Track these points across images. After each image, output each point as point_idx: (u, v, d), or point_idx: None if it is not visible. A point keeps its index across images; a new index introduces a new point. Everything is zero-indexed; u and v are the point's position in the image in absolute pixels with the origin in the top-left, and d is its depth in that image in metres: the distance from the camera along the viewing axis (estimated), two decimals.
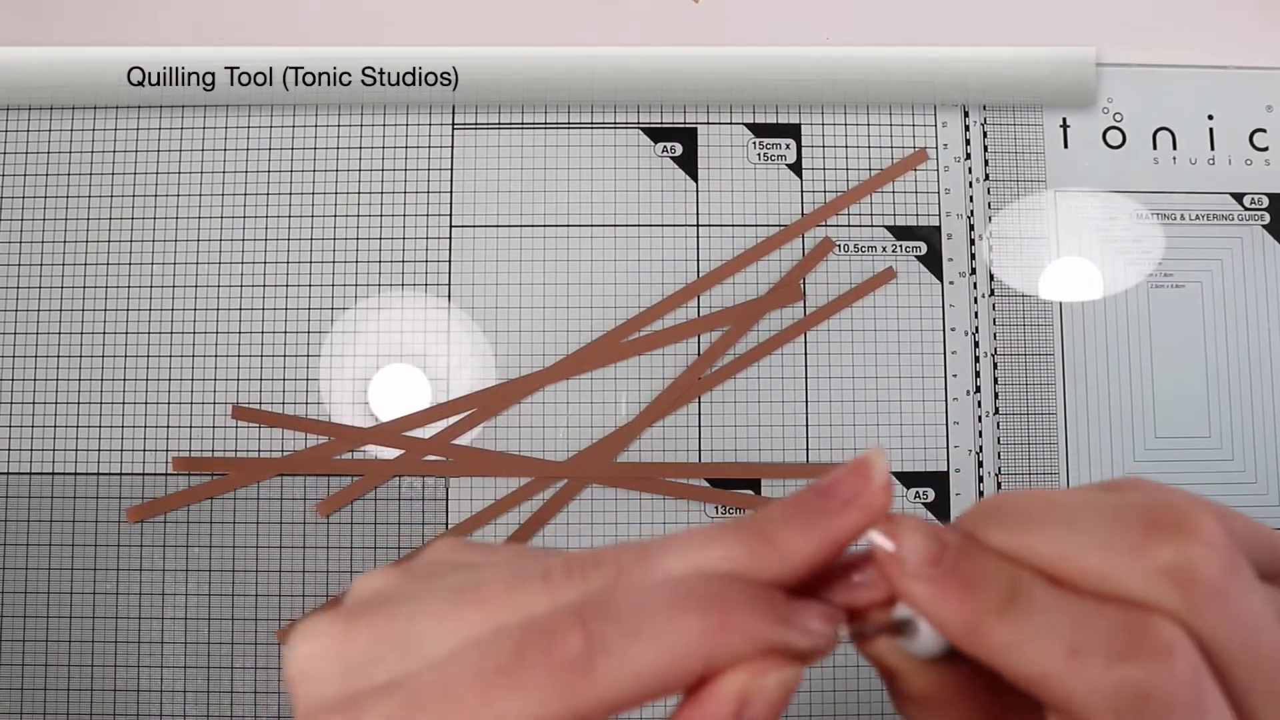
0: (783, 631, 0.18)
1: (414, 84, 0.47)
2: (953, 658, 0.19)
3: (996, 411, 0.45)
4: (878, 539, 0.19)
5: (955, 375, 0.45)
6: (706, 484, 0.44)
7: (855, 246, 0.46)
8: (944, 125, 0.47)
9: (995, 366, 0.45)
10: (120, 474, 0.44)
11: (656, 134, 0.47)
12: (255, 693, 0.43)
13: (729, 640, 0.18)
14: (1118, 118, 0.47)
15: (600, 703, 0.17)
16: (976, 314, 0.46)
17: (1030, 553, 0.19)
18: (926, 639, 0.19)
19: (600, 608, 0.18)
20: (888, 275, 0.46)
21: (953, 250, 0.46)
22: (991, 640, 0.18)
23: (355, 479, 0.44)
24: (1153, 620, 0.18)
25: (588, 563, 0.19)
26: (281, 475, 0.44)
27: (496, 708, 0.17)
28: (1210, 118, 0.47)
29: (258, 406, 0.45)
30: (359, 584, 0.21)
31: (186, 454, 0.44)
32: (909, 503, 0.45)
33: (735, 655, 0.18)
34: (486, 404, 0.45)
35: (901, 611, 0.19)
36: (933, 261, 0.46)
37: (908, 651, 0.19)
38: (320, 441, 0.44)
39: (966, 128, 0.47)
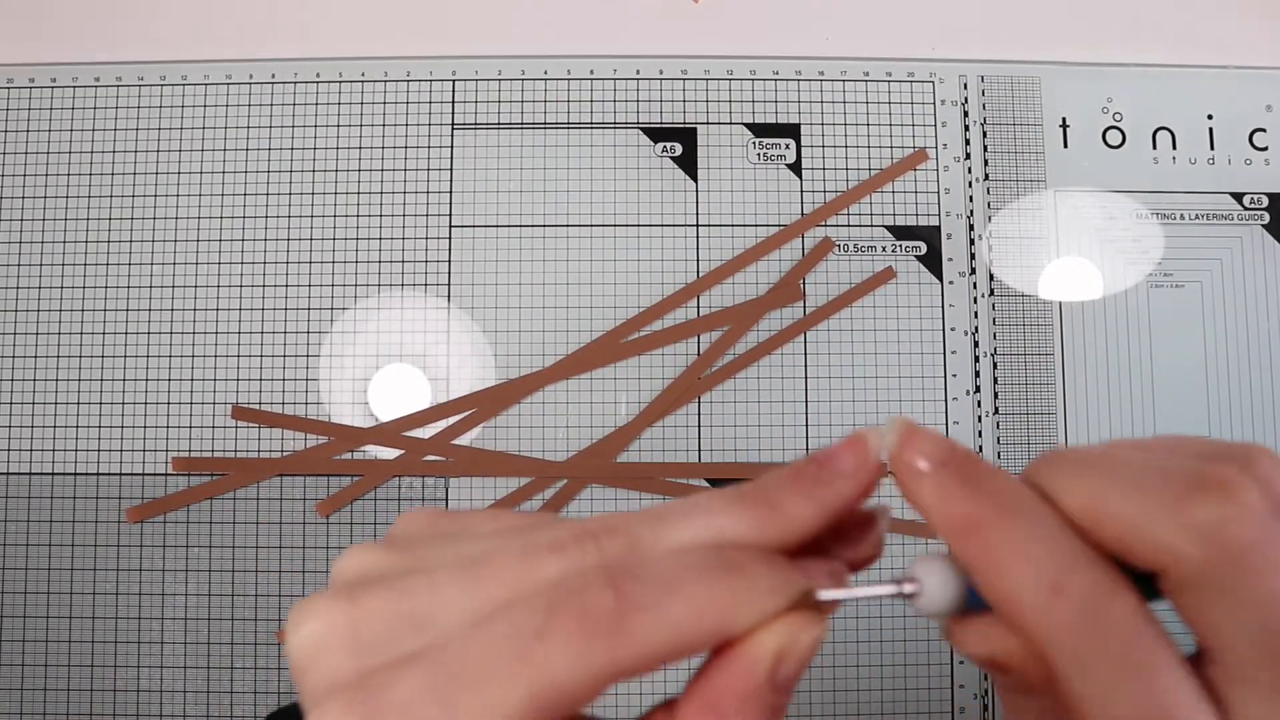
0: (802, 582, 0.18)
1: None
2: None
3: (996, 411, 0.45)
4: (889, 438, 0.20)
5: (955, 375, 0.45)
6: (706, 484, 0.44)
7: (855, 246, 0.46)
8: (944, 125, 0.47)
9: (995, 366, 0.45)
10: (120, 474, 0.44)
11: (656, 134, 0.47)
12: (255, 693, 0.43)
13: (754, 598, 0.18)
14: (1118, 118, 0.47)
15: (638, 656, 0.17)
16: (976, 314, 0.46)
17: (1068, 494, 0.19)
18: (933, 596, 0.19)
19: (625, 569, 0.18)
20: (887, 275, 0.46)
21: (952, 250, 0.46)
22: (981, 545, 0.19)
23: (355, 479, 0.44)
24: (1212, 465, 0.18)
25: (599, 531, 0.19)
26: (281, 475, 0.44)
27: (537, 668, 0.17)
28: (1210, 118, 0.47)
29: (258, 406, 0.45)
30: (344, 563, 0.20)
31: (186, 454, 0.44)
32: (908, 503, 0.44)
33: (761, 612, 0.18)
34: (486, 404, 0.45)
35: (908, 573, 0.20)
36: (932, 261, 0.46)
37: (920, 610, 0.20)
38: (320, 441, 0.44)
39: (966, 128, 0.47)
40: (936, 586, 0.20)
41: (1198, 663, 0.18)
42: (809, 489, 0.20)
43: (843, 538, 0.21)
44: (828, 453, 0.20)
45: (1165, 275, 0.46)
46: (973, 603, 0.20)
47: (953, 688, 0.43)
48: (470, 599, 0.18)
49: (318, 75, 0.47)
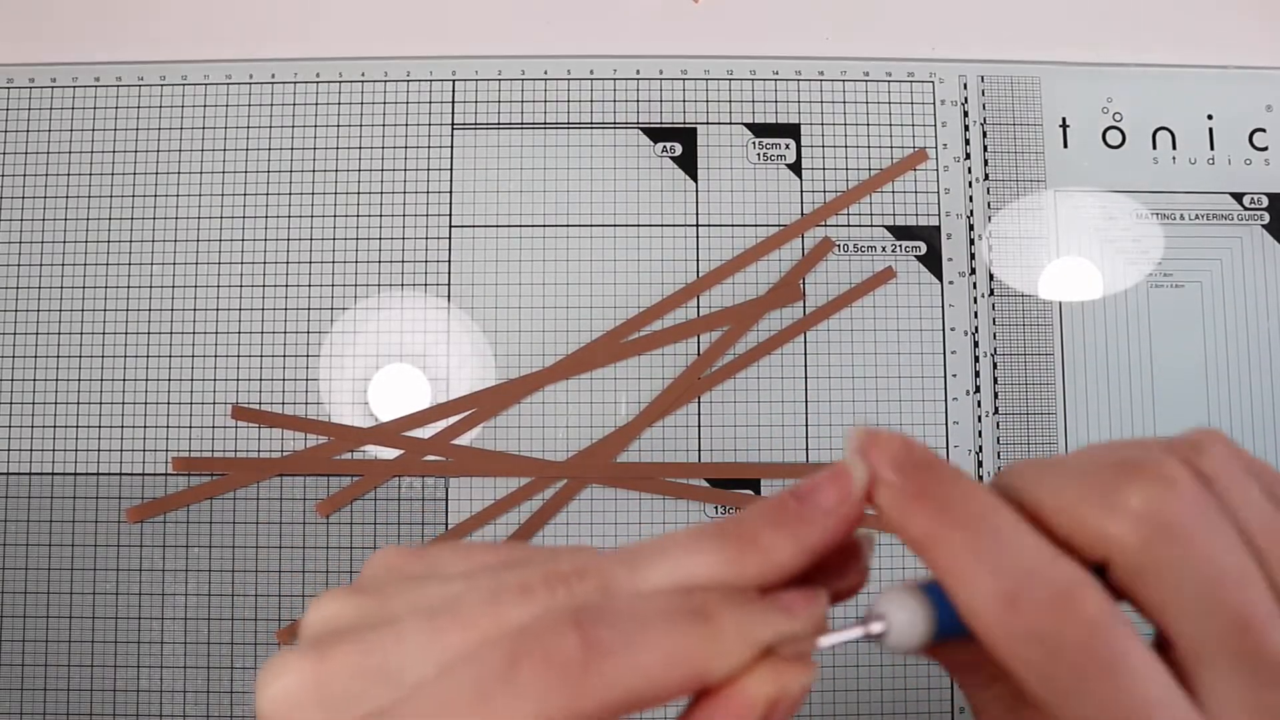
0: (773, 631, 0.18)
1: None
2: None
3: (996, 411, 0.45)
4: (850, 453, 0.20)
5: (955, 375, 0.45)
6: (706, 484, 0.44)
7: (855, 246, 0.46)
8: (944, 125, 0.47)
9: (995, 366, 0.45)
10: (120, 474, 0.44)
11: (656, 134, 0.47)
12: (255, 693, 0.43)
13: (724, 647, 0.18)
14: (1118, 118, 0.47)
15: (603, 703, 0.17)
16: (976, 314, 0.46)
17: (1021, 494, 0.19)
18: (901, 630, 0.19)
19: (593, 613, 0.18)
20: (887, 275, 0.46)
21: (952, 250, 0.46)
22: (939, 557, 0.18)
23: (355, 479, 0.44)
24: (1146, 452, 0.19)
25: (569, 574, 0.19)
26: (281, 475, 0.44)
27: (500, 715, 0.17)
28: (1210, 117, 0.47)
29: (258, 406, 0.45)
30: (312, 615, 0.20)
31: (186, 454, 0.44)
32: None
33: (734, 661, 0.18)
34: (486, 404, 0.45)
35: (874, 611, 0.19)
36: (932, 261, 0.46)
37: (891, 648, 0.19)
38: (320, 441, 0.44)
39: (966, 128, 0.47)
40: (905, 623, 0.19)
41: (1162, 650, 0.18)
42: (791, 527, 0.19)
43: (826, 566, 0.20)
44: (809, 486, 0.20)
45: (1165, 275, 0.46)
46: (945, 629, 0.19)
47: (953, 686, 0.43)
48: (437, 648, 0.18)
49: (318, 75, 0.47)
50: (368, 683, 0.18)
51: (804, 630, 0.18)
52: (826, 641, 0.18)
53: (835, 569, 0.20)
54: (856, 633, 0.19)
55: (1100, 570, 0.19)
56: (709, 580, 0.19)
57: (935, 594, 0.19)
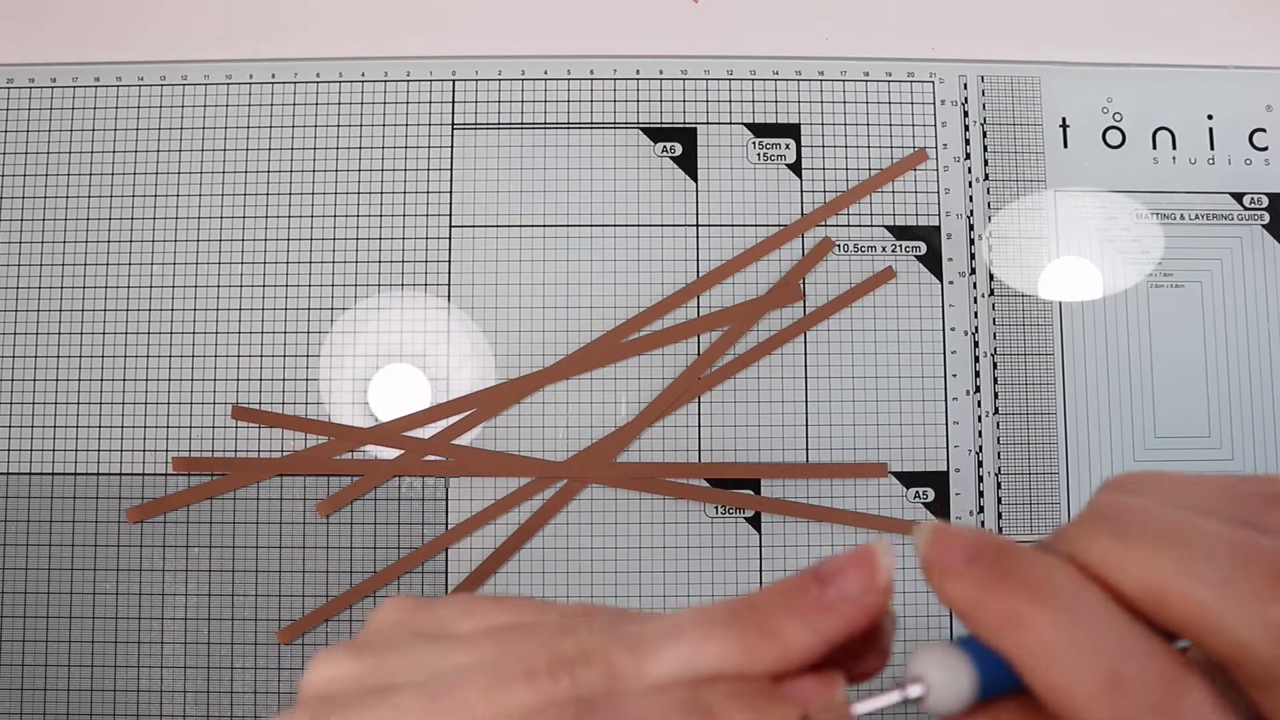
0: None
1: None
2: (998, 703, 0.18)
3: (996, 411, 0.45)
4: (920, 549, 0.18)
5: (955, 375, 0.45)
6: (706, 484, 0.44)
7: (855, 246, 0.46)
8: (944, 125, 0.47)
9: (995, 366, 0.45)
10: (120, 474, 0.44)
11: (656, 134, 0.47)
12: (255, 693, 0.43)
13: None
14: (1118, 118, 0.47)
15: None
16: (976, 314, 0.46)
17: (1125, 572, 0.17)
18: (945, 694, 0.18)
19: (595, 711, 0.17)
20: (887, 275, 0.46)
21: (952, 250, 0.46)
22: (1025, 638, 0.17)
23: (355, 479, 0.44)
24: None
25: (575, 659, 0.18)
26: (281, 475, 0.44)
27: None
28: (1210, 118, 0.47)
29: (258, 406, 0.45)
30: (312, 676, 0.20)
31: (186, 454, 0.44)
32: (908, 502, 0.45)
33: None
34: (486, 404, 0.45)
35: (911, 672, 0.18)
36: (932, 261, 0.46)
37: (931, 710, 0.18)
38: (320, 441, 0.44)
39: (966, 128, 0.47)
40: (948, 683, 0.17)
41: None
42: (809, 614, 0.18)
43: (844, 646, 0.19)
44: (832, 569, 0.18)
45: (1165, 275, 0.46)
46: (988, 688, 0.18)
47: None
48: None
49: (318, 75, 0.47)
50: None
51: (823, 708, 0.17)
52: (861, 709, 0.17)
53: (854, 650, 0.19)
54: (894, 697, 0.18)
55: (1170, 635, 0.17)
56: (719, 670, 0.18)
57: (974, 649, 0.18)
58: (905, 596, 0.44)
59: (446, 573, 0.44)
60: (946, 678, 0.17)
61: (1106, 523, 0.18)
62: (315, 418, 0.45)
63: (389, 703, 0.18)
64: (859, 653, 0.19)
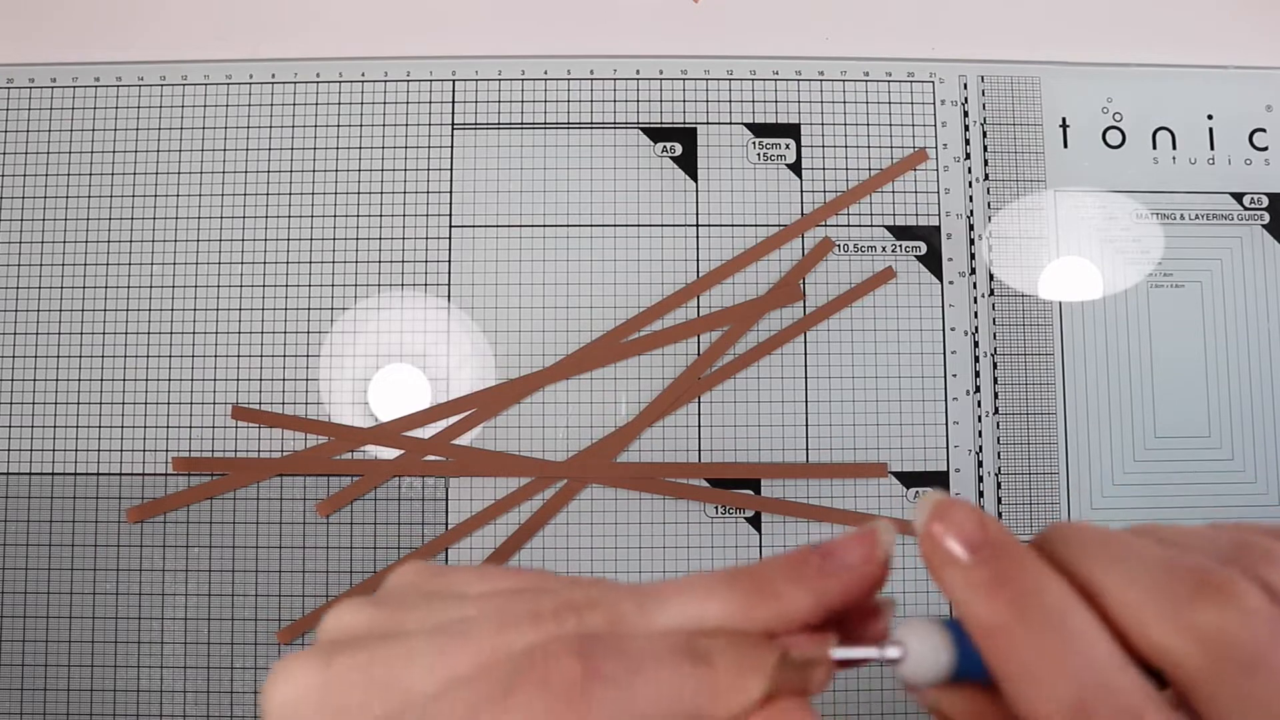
0: (772, 658, 0.18)
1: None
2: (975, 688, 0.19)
3: (996, 411, 0.45)
4: (919, 520, 0.19)
5: (955, 375, 0.45)
6: (706, 484, 0.44)
7: (855, 246, 0.46)
8: (944, 125, 0.47)
9: (995, 366, 0.45)
10: (120, 474, 0.44)
11: (656, 134, 0.47)
12: (255, 693, 0.43)
13: (720, 692, 0.18)
14: (1118, 118, 0.47)
15: None
16: (976, 314, 0.46)
17: (1078, 570, 0.18)
18: (920, 665, 0.18)
19: (596, 644, 0.18)
20: (887, 275, 0.46)
21: (952, 250, 0.46)
22: (1008, 650, 0.18)
23: (355, 479, 0.44)
24: (1218, 565, 0.18)
25: (581, 605, 0.19)
26: (281, 475, 0.44)
27: None
28: (1210, 118, 0.47)
29: (258, 406, 0.45)
30: (331, 619, 0.21)
31: (186, 454, 0.44)
32: (909, 502, 0.45)
33: (733, 706, 0.18)
34: (486, 404, 0.45)
35: (894, 637, 0.19)
36: (932, 261, 0.46)
37: (903, 677, 0.19)
38: (320, 441, 0.44)
39: (966, 128, 0.47)
40: (925, 655, 0.18)
41: None
42: (810, 580, 0.19)
43: (846, 630, 0.20)
44: (834, 544, 0.19)
45: (1165, 275, 0.46)
46: (962, 672, 0.18)
47: None
48: (443, 667, 0.18)
49: (318, 75, 0.47)
50: (370, 693, 0.18)
51: (809, 657, 0.18)
52: (839, 654, 0.18)
53: (854, 634, 0.20)
54: (872, 652, 0.18)
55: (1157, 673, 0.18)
56: (718, 623, 0.18)
57: (958, 633, 0.19)
58: (905, 590, 0.44)
59: None
60: (925, 650, 0.18)
61: (1058, 540, 0.19)
62: (315, 418, 0.45)
63: (403, 646, 0.19)
64: (859, 635, 0.20)
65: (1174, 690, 0.18)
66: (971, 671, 0.18)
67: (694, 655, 0.18)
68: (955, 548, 0.18)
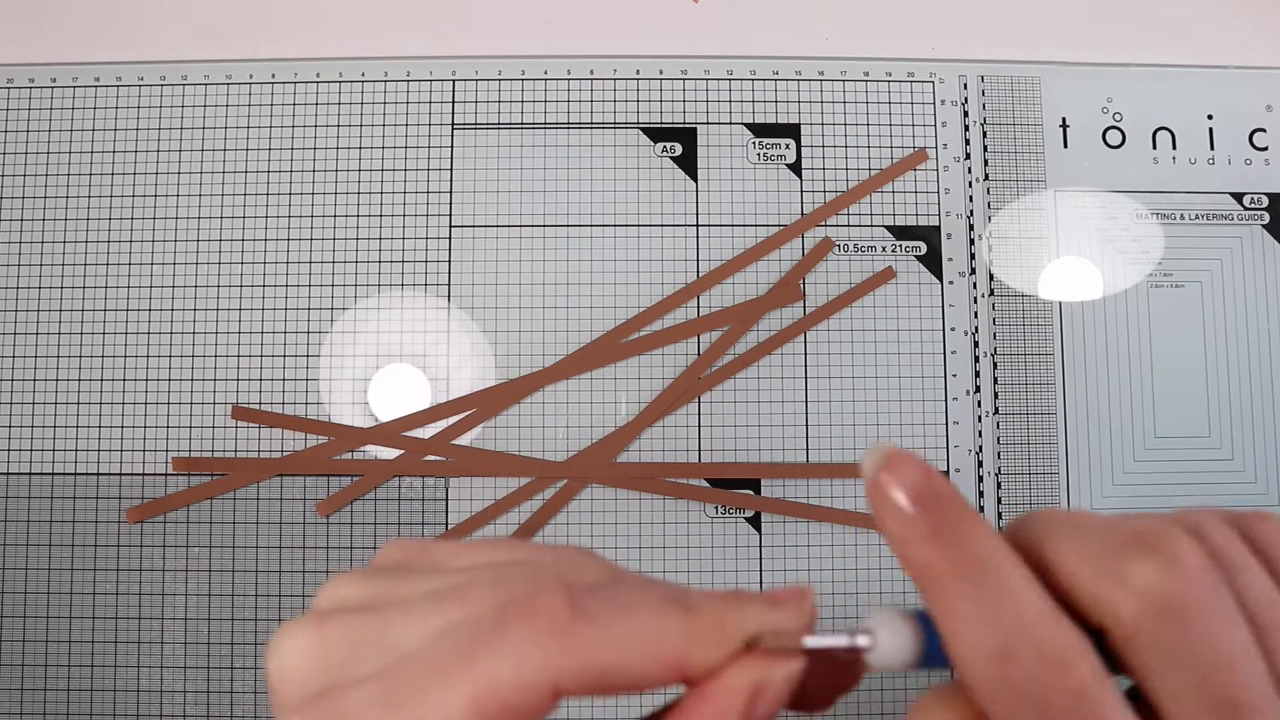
0: (759, 617, 0.19)
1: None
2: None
3: (996, 411, 0.45)
4: (868, 467, 0.20)
5: (955, 375, 0.45)
6: (706, 484, 0.44)
7: (855, 246, 0.46)
8: (944, 125, 0.47)
9: (995, 366, 0.45)
10: (120, 474, 0.44)
11: (656, 134, 0.47)
12: (255, 693, 0.43)
13: (703, 636, 0.18)
14: (1118, 118, 0.47)
15: (579, 669, 0.18)
16: (976, 314, 0.46)
17: (1029, 543, 0.19)
18: (887, 652, 0.19)
19: (585, 587, 0.19)
20: (887, 275, 0.46)
21: (952, 250, 0.46)
22: (939, 597, 0.18)
23: (355, 479, 0.44)
24: (1156, 524, 0.19)
25: (581, 563, 0.20)
26: (281, 475, 0.44)
27: (479, 668, 0.17)
28: (1210, 118, 0.47)
29: (258, 406, 0.45)
30: (326, 590, 0.21)
31: (186, 454, 0.44)
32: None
33: (714, 652, 0.18)
34: (486, 404, 0.45)
35: (862, 625, 0.20)
36: (932, 261, 0.46)
37: (871, 665, 0.19)
38: (320, 441, 0.44)
39: (966, 128, 0.47)
40: (893, 643, 0.19)
41: (1148, 716, 0.18)
42: (748, 602, 0.20)
43: (822, 674, 0.20)
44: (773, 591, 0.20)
45: (1165, 275, 0.46)
46: (930, 659, 0.19)
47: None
48: (438, 620, 0.19)
49: (318, 75, 0.47)
50: (366, 650, 0.19)
51: (787, 624, 0.19)
52: (810, 643, 0.19)
53: (830, 677, 0.21)
54: (841, 640, 0.19)
55: (1099, 634, 0.19)
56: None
57: (926, 624, 0.19)
58: (905, 587, 0.44)
59: None
60: (893, 641, 0.19)
61: (1017, 522, 0.21)
62: (315, 418, 0.45)
63: (399, 606, 0.20)
64: (836, 678, 0.21)
65: (1111, 648, 0.19)
66: (938, 659, 0.19)
67: (679, 603, 0.19)
68: (900, 498, 0.19)
